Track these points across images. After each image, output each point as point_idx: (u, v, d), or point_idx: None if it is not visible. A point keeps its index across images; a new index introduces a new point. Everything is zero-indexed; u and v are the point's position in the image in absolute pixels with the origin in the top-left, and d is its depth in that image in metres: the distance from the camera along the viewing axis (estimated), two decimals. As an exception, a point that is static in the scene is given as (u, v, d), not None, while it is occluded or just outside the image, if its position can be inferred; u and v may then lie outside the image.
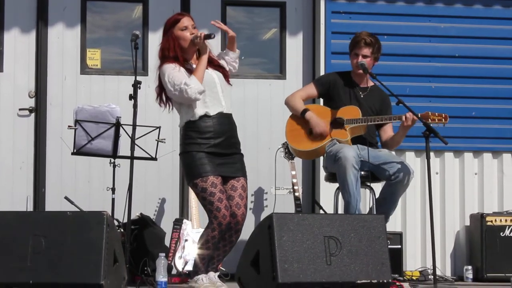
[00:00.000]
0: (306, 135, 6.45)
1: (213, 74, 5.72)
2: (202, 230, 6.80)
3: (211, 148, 5.63)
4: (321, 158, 6.73)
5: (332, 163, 6.23)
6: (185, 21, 5.76)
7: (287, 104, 6.61)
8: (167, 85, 5.61)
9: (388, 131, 6.51)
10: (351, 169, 6.05)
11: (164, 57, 5.70)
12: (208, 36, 5.70)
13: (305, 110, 6.44)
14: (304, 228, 4.88)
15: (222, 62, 5.87)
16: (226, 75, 5.82)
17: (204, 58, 5.69)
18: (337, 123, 6.39)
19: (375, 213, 6.21)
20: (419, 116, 6.14)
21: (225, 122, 5.73)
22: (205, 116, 5.65)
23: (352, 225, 4.99)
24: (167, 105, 5.81)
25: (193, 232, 6.90)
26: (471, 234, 7.51)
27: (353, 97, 6.47)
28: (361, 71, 6.42)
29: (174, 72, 5.61)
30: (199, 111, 5.64)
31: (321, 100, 6.86)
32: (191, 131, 5.66)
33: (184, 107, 5.68)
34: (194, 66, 5.72)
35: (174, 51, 5.68)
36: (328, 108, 6.49)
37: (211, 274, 5.66)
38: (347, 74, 6.59)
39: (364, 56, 6.44)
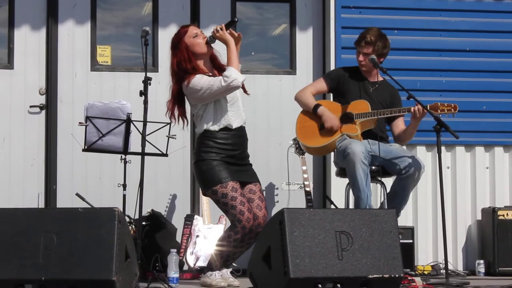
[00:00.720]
0: (317, 131, 6.44)
1: None
2: (213, 226, 6.85)
3: (226, 158, 5.66)
4: (332, 153, 6.71)
5: (341, 158, 6.22)
6: (193, 29, 5.76)
7: (297, 99, 6.60)
8: (201, 91, 5.57)
9: (400, 125, 6.50)
10: (360, 165, 6.04)
11: (183, 71, 5.66)
12: (231, 23, 5.65)
13: (317, 105, 6.43)
14: (315, 223, 4.86)
15: None
16: (242, 86, 5.81)
17: (233, 48, 5.65)
18: (347, 118, 6.38)
19: (386, 207, 6.20)
20: (429, 108, 6.13)
21: (241, 134, 5.77)
22: (226, 128, 5.66)
23: (363, 220, 4.97)
24: (179, 120, 5.80)
25: (204, 228, 6.90)
26: (482, 228, 7.49)
27: (363, 92, 6.47)
28: (364, 69, 6.43)
29: (204, 77, 5.60)
30: (223, 122, 5.65)
31: (331, 95, 6.84)
32: (209, 140, 5.67)
33: (209, 114, 5.65)
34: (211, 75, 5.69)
35: (190, 62, 5.65)
36: (338, 104, 6.48)
37: (224, 270, 5.69)
38: (357, 69, 6.58)
39: (365, 54, 6.43)
